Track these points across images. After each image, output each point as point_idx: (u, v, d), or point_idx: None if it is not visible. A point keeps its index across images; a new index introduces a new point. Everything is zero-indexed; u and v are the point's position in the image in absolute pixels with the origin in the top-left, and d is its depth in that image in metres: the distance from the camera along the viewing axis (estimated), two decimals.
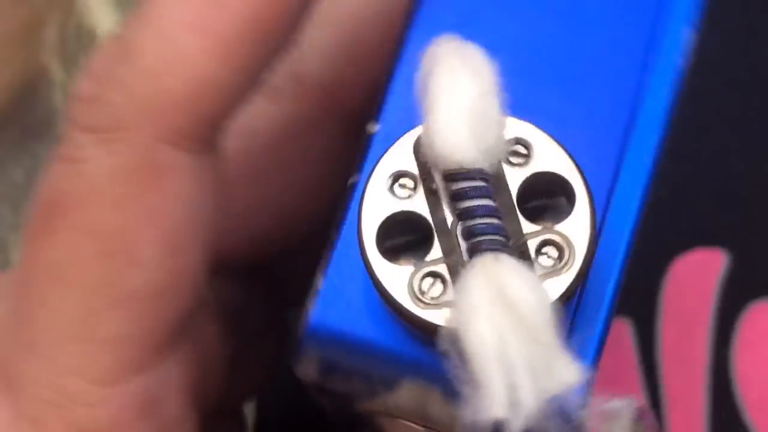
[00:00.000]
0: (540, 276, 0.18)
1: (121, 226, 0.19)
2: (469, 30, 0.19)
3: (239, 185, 0.23)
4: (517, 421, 0.16)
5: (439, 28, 0.19)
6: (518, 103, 0.18)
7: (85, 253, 0.19)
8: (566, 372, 0.16)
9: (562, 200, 0.18)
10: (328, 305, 0.19)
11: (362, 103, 0.23)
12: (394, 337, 0.19)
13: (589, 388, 0.18)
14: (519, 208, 0.18)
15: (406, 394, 0.19)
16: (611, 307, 0.19)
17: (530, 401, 0.16)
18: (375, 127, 0.20)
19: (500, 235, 0.17)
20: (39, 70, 0.43)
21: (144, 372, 0.20)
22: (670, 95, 0.21)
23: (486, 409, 0.16)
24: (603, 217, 0.20)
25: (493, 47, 0.18)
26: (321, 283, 0.20)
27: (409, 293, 0.18)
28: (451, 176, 0.18)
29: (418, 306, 0.18)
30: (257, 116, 0.23)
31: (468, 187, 0.18)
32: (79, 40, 0.44)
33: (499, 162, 0.18)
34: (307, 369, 0.20)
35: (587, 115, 0.20)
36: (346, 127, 0.25)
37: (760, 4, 0.39)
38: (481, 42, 0.18)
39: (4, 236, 0.42)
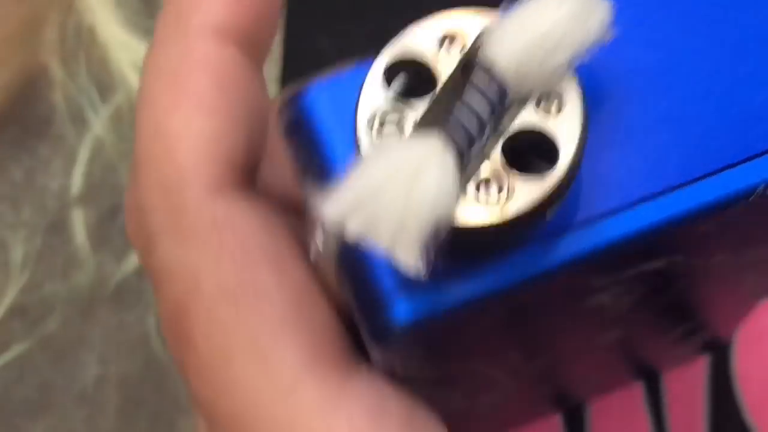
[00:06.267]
0: (473, 201, 0.18)
1: None
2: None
3: None
4: (331, 235, 0.18)
5: None
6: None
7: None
8: (401, 252, 0.17)
9: (548, 166, 0.18)
10: (321, 92, 0.20)
11: None
12: (341, 148, 0.20)
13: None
14: (512, 145, 0.18)
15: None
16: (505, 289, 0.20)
17: (354, 230, 0.17)
18: None
19: (465, 137, 0.18)
20: (39, 69, 0.43)
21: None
22: None
23: (323, 208, 0.17)
24: (587, 217, 0.19)
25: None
26: (337, 74, 0.20)
27: (369, 116, 0.18)
28: (479, 66, 0.18)
29: (368, 129, 0.18)
30: None
31: (481, 86, 0.18)
32: (79, 40, 0.44)
33: (528, 93, 0.18)
34: (281, 118, 0.21)
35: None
36: None
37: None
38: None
39: (4, 235, 0.42)
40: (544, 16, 0.18)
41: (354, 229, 0.17)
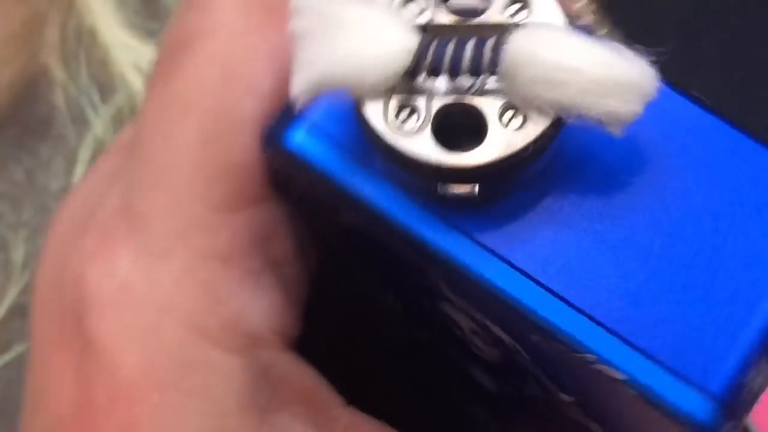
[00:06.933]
0: (390, 113, 0.18)
1: (244, 56, 0.20)
2: None
3: None
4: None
5: None
6: None
7: (209, 79, 0.20)
8: (298, 80, 0.17)
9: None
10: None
11: None
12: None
13: None
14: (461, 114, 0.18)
15: None
16: None
17: (294, 29, 0.17)
18: None
19: (434, 59, 0.18)
20: (39, 70, 0.43)
21: (259, 204, 0.20)
22: None
23: None
24: None
25: None
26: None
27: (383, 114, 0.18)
28: (501, 34, 0.18)
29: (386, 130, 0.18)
30: None
31: (485, 46, 0.18)
32: (79, 40, 0.44)
33: (507, 92, 0.18)
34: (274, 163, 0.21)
35: None
36: None
37: (760, 4, 0.39)
38: None
39: (5, 235, 0.42)
40: (576, 56, 0.17)
41: (297, 26, 0.17)
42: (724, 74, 0.37)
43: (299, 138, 0.19)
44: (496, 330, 0.21)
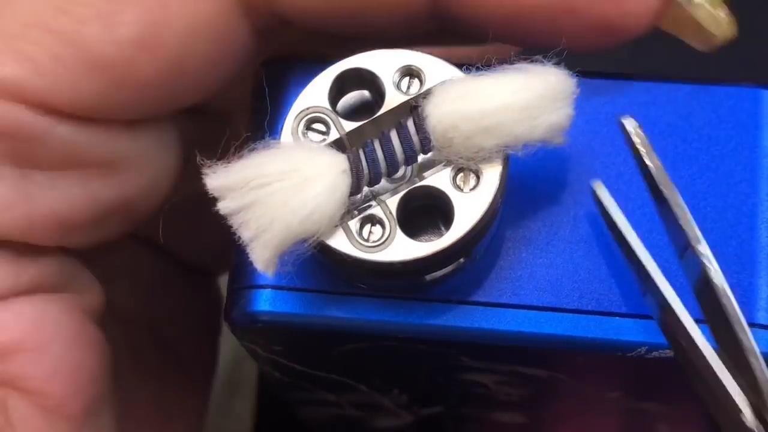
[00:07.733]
0: (353, 233, 0.18)
1: None
2: None
3: None
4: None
5: None
6: None
7: None
8: (257, 250, 0.17)
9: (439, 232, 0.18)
10: (293, 69, 0.20)
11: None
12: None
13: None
14: (415, 199, 0.18)
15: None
16: None
17: (226, 208, 0.17)
18: None
19: (370, 170, 0.18)
20: None
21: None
22: None
23: (210, 176, 0.18)
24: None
25: None
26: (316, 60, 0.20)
27: (303, 109, 0.18)
28: (415, 114, 0.18)
29: (295, 121, 0.18)
30: None
31: (407, 132, 0.18)
32: None
33: (449, 159, 0.18)
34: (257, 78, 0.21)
35: None
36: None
37: (760, 4, 0.39)
38: None
39: None
40: (494, 95, 0.17)
41: (227, 207, 0.17)
42: (724, 74, 0.37)
43: (268, 303, 0.19)
44: (530, 371, 0.21)
